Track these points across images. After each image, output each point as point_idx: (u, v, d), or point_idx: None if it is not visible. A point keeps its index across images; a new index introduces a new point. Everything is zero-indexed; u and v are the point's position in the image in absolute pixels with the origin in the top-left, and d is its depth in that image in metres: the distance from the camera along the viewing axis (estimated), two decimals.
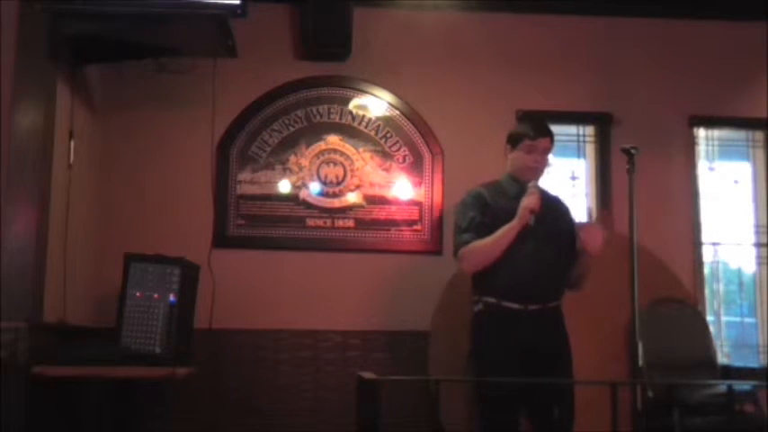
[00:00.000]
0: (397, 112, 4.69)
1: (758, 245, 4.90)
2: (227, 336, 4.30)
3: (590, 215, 4.24)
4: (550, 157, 3.40)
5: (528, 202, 3.18)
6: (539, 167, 3.32)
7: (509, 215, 3.21)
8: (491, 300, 3.22)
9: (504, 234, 3.18)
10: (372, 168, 4.64)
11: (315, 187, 4.59)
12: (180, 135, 4.54)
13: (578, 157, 4.92)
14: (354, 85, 4.69)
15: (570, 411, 3.17)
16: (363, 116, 4.68)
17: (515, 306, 3.17)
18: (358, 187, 4.62)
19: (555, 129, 4.80)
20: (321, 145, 4.64)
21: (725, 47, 4.88)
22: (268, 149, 4.60)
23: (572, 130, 4.91)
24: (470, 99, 4.69)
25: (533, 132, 3.30)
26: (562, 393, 3.17)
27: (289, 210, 4.57)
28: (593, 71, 4.82)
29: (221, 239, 4.47)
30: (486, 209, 3.28)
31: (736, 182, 4.98)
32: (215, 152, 4.55)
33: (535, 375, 3.05)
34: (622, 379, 3.19)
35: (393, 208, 4.62)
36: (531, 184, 3.25)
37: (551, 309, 3.23)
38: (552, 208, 3.35)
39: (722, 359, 4.59)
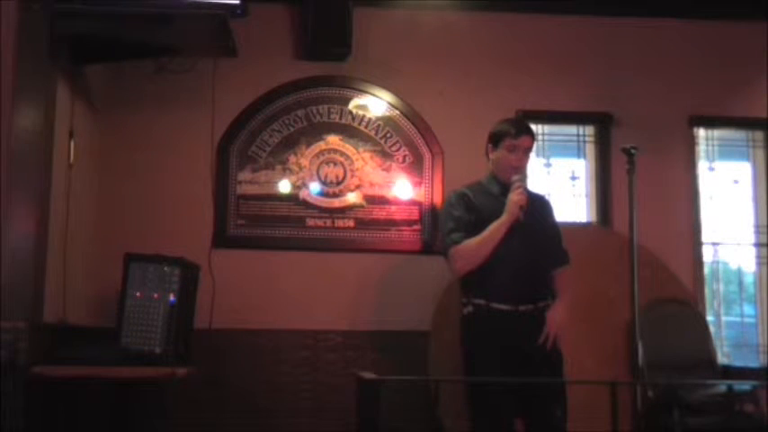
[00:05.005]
0: (397, 112, 4.68)
1: (758, 245, 4.90)
2: (227, 336, 4.30)
3: None
4: (532, 155, 3.41)
5: (516, 197, 3.19)
6: (521, 166, 3.33)
7: (494, 214, 3.21)
8: (480, 302, 3.21)
9: (495, 231, 3.18)
10: (372, 168, 4.64)
11: (315, 187, 4.59)
12: (180, 135, 4.54)
13: (578, 157, 4.92)
14: (354, 85, 4.69)
15: (564, 412, 3.17)
16: (363, 116, 4.68)
17: (505, 307, 3.17)
18: (358, 187, 4.61)
19: (555, 129, 4.92)
20: (321, 145, 4.63)
21: (725, 47, 4.88)
22: (268, 149, 4.60)
23: (572, 130, 4.91)
24: (470, 99, 4.69)
25: (515, 131, 3.30)
26: (556, 394, 3.17)
27: (289, 210, 4.56)
28: (594, 71, 4.82)
29: (221, 239, 4.47)
30: (472, 208, 3.28)
31: (736, 182, 4.98)
32: (215, 152, 4.55)
33: (526, 377, 3.05)
34: (622, 379, 3.19)
35: (393, 208, 4.61)
36: (515, 178, 3.25)
37: (541, 309, 3.23)
38: (537, 205, 3.36)
39: (722, 359, 4.59)
